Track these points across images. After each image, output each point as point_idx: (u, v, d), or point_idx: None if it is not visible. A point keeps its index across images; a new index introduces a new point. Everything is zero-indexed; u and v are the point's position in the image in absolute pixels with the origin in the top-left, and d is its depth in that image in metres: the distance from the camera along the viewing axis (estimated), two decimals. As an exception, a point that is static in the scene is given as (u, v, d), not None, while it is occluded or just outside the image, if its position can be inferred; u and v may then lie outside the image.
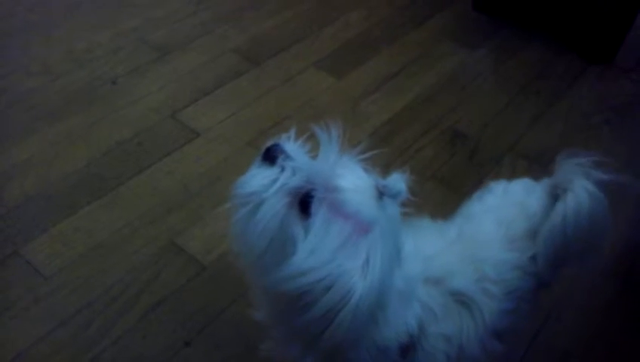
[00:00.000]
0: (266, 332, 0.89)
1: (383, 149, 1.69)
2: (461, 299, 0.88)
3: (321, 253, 0.67)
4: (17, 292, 1.30)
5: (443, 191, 1.63)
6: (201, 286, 1.34)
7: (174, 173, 1.60)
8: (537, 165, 1.72)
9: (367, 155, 0.77)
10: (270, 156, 0.72)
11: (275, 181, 0.70)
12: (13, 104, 1.75)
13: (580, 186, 0.90)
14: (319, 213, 0.68)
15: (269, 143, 0.73)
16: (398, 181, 0.71)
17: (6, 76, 1.84)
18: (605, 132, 1.89)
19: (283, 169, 0.71)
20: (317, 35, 2.15)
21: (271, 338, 0.88)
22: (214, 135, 1.73)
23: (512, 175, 1.66)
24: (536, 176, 1.67)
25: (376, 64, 2.05)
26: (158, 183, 1.57)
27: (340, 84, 1.95)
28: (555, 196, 0.94)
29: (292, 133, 0.75)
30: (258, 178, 0.71)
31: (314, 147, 0.75)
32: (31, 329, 1.24)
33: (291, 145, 0.73)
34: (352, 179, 0.71)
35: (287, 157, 0.71)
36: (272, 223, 0.69)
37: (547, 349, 1.31)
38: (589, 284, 1.44)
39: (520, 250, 0.92)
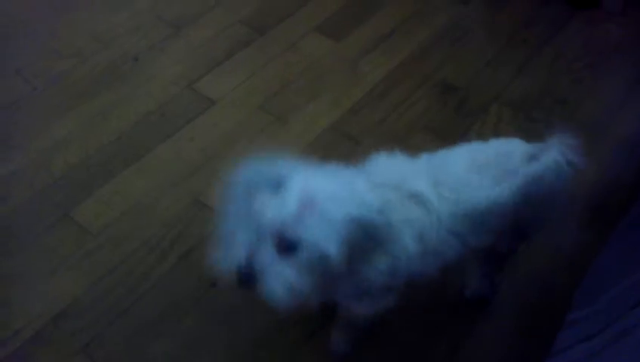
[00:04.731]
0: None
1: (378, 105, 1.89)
2: (418, 199, 1.01)
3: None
4: (70, 248, 1.54)
5: (434, 140, 1.81)
6: (223, 235, 1.57)
7: (195, 138, 1.81)
8: (522, 112, 1.88)
9: None
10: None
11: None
12: (50, 86, 1.96)
13: (551, 155, 1.02)
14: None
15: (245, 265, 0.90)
16: None
17: (40, 60, 2.04)
18: (586, 76, 2.03)
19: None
20: (316, 0, 2.31)
21: None
22: (228, 102, 1.92)
23: (498, 122, 1.86)
24: (520, 122, 1.85)
25: (372, 24, 2.20)
26: (181, 149, 1.78)
27: (339, 46, 2.12)
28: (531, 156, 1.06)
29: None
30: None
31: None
32: (84, 278, 1.48)
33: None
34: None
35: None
36: None
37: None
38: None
39: (480, 173, 1.04)
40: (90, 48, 2.09)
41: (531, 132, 1.79)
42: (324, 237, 0.87)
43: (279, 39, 2.14)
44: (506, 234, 1.13)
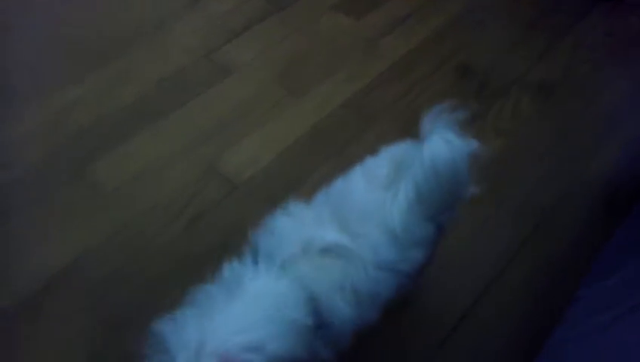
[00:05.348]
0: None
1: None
2: (332, 253, 0.92)
3: None
4: (84, 204, 1.55)
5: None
6: (234, 201, 1.57)
7: (210, 107, 1.81)
8: (541, 96, 1.87)
9: None
10: None
11: None
12: (68, 48, 1.96)
13: (437, 136, 0.95)
14: None
15: None
16: None
17: (60, 24, 2.05)
18: (606, 66, 2.01)
19: None
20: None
21: None
22: (243, 73, 1.92)
23: (517, 106, 1.84)
24: (538, 107, 1.84)
25: (392, 4, 2.20)
26: (196, 116, 1.78)
27: (357, 24, 2.11)
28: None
29: None
30: None
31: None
32: (98, 232, 1.49)
33: None
34: None
35: None
36: None
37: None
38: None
39: (383, 187, 0.97)
40: (110, 12, 2.09)
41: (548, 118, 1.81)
42: None
43: (298, 15, 2.13)
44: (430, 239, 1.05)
